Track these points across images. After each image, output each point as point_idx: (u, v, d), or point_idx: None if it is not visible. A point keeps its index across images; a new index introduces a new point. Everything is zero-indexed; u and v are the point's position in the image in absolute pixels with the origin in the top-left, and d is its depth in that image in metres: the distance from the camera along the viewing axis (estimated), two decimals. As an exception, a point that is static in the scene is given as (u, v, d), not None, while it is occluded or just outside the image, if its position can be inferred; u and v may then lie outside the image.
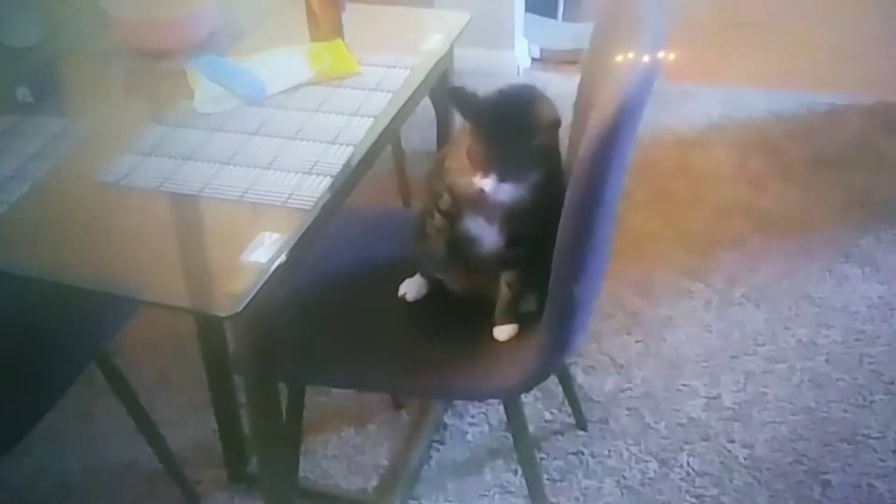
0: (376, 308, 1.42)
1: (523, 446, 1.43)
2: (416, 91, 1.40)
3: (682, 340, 2.06)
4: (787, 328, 2.08)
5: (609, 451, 1.81)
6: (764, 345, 2.04)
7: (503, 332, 1.35)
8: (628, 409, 1.90)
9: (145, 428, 1.62)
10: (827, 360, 1.99)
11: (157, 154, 1.27)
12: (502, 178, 1.16)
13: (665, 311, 2.12)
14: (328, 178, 1.20)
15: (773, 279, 2.22)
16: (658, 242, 2.34)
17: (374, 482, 1.77)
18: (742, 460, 1.77)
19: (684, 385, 1.95)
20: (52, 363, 1.38)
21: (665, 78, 2.66)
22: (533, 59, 3.25)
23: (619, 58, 1.10)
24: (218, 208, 1.16)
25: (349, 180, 1.22)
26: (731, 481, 1.73)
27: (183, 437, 1.85)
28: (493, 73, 3.07)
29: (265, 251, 1.06)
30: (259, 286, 1.02)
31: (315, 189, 1.17)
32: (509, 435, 1.82)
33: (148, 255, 1.10)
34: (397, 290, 1.42)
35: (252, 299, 1.00)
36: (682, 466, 1.77)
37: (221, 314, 1.00)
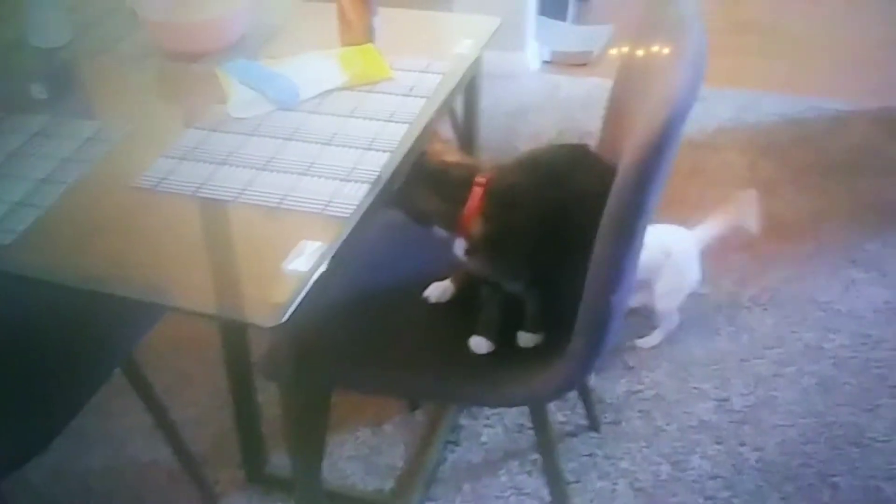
0: (407, 314, 1.44)
1: (548, 452, 1.46)
2: (448, 96, 1.42)
3: (691, 343, 2.10)
4: (794, 332, 2.12)
5: (622, 452, 1.85)
6: (772, 348, 2.08)
7: (528, 339, 1.37)
8: (640, 411, 1.94)
9: (165, 428, 1.64)
10: (834, 364, 2.02)
11: (191, 158, 1.29)
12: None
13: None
14: (365, 184, 1.21)
15: (781, 283, 2.26)
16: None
17: (390, 483, 1.80)
18: (753, 463, 1.81)
19: (695, 388, 1.99)
20: (79, 369, 1.39)
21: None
22: (543, 62, 3.27)
23: (664, 64, 1.11)
24: (256, 215, 1.17)
25: (386, 187, 1.24)
26: (742, 484, 1.76)
27: (202, 437, 1.87)
28: (506, 74, 3.09)
29: (306, 260, 1.07)
30: (301, 295, 1.03)
31: (353, 196, 1.19)
32: (524, 436, 1.85)
33: (187, 263, 1.11)
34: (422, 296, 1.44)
35: (294, 309, 1.02)
36: (693, 469, 1.80)
37: (265, 324, 1.01)
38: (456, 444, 1.87)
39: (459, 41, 1.54)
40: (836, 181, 2.62)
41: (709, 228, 2.02)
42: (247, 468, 1.80)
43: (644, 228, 1.15)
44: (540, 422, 1.41)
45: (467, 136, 1.70)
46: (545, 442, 1.43)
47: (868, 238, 2.39)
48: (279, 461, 1.81)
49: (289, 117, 1.38)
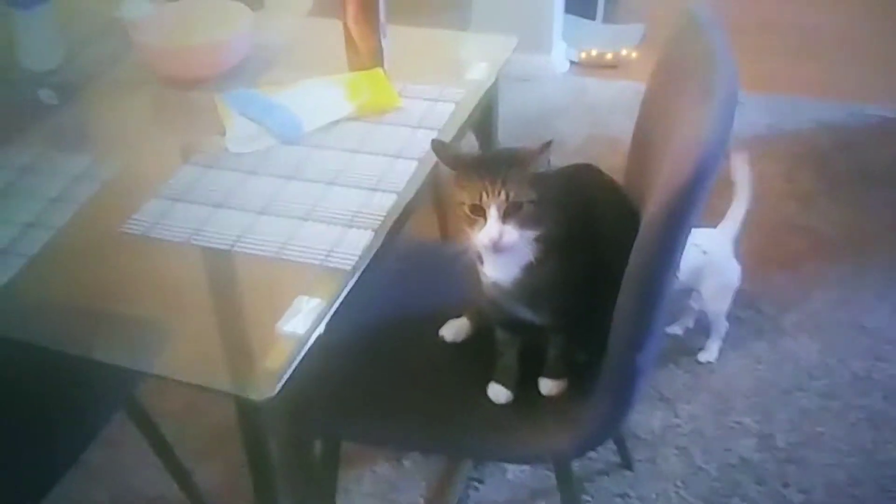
0: (416, 356, 1.34)
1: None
2: (460, 129, 1.30)
3: (732, 373, 1.97)
4: (841, 361, 1.98)
5: (657, 493, 1.73)
6: (818, 379, 1.94)
7: (550, 386, 1.26)
8: (677, 447, 1.81)
9: (172, 467, 1.56)
10: (884, 398, 1.89)
11: (186, 199, 1.19)
12: (505, 214, 1.04)
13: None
14: (369, 231, 1.11)
15: (825, 306, 2.12)
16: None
17: (409, 524, 1.70)
18: (797, 507, 1.68)
19: (736, 423, 1.86)
20: (82, 411, 1.32)
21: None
22: (571, 63, 3.14)
23: (694, 100, 1.00)
24: (252, 266, 1.07)
25: (391, 233, 1.13)
26: (787, 531, 1.64)
27: (211, 472, 1.78)
28: (532, 77, 2.97)
29: (302, 319, 0.98)
30: (296, 361, 0.93)
31: (356, 245, 1.09)
32: (552, 475, 1.74)
33: (175, 322, 1.02)
34: (438, 333, 1.33)
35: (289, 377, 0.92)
36: (734, 513, 1.68)
37: (255, 397, 0.91)
38: (480, 481, 1.76)
39: (474, 65, 1.43)
40: (876, 194, 2.47)
41: (731, 220, 1.90)
42: None
43: (672, 280, 1.03)
44: (564, 478, 1.30)
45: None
46: (569, 499, 1.32)
47: (915, 256, 2.24)
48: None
49: (291, 153, 1.28)
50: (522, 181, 1.04)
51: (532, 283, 1.12)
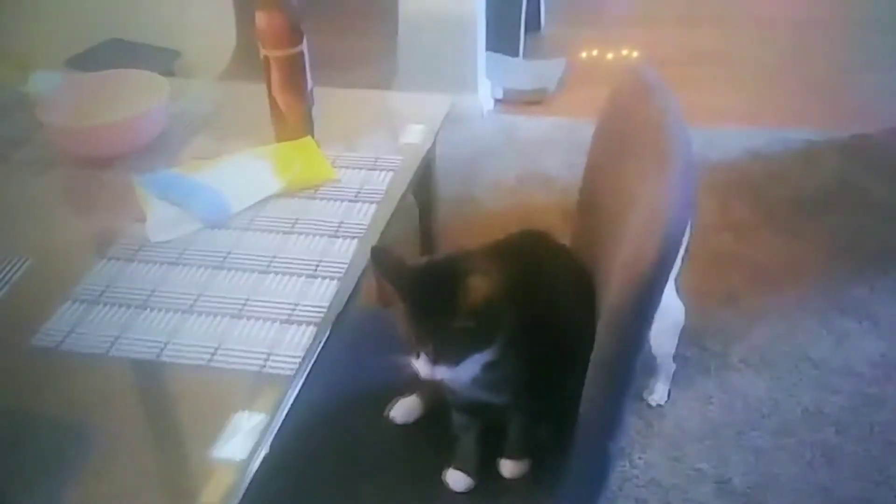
0: (365, 444, 1.25)
1: None
2: (401, 199, 1.23)
3: (683, 415, 1.93)
4: (791, 395, 1.96)
5: (620, 552, 1.67)
6: (769, 416, 1.92)
7: (512, 468, 1.19)
8: (636, 500, 1.76)
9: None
10: (837, 432, 1.87)
11: (104, 301, 1.09)
12: (436, 361, 1.01)
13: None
14: (311, 326, 1.03)
15: (770, 339, 2.11)
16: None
17: None
18: (762, 556, 1.65)
19: (693, 469, 1.82)
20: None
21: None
22: (496, 101, 3.11)
23: (647, 183, 0.94)
24: (181, 379, 0.98)
25: (336, 325, 1.05)
26: (754, 582, 1.60)
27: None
28: (458, 117, 2.91)
29: (242, 441, 0.88)
30: (238, 495, 0.84)
31: (296, 345, 1.00)
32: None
33: (93, 458, 0.90)
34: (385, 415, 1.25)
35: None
36: (700, 568, 1.63)
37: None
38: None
39: (409, 127, 1.36)
40: (812, 220, 2.49)
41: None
42: None
43: (638, 363, 0.97)
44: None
45: (425, 225, 1.51)
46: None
47: (853, 283, 2.25)
48: None
49: (219, 237, 1.18)
50: (453, 331, 0.98)
51: (492, 378, 1.06)
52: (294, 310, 1.05)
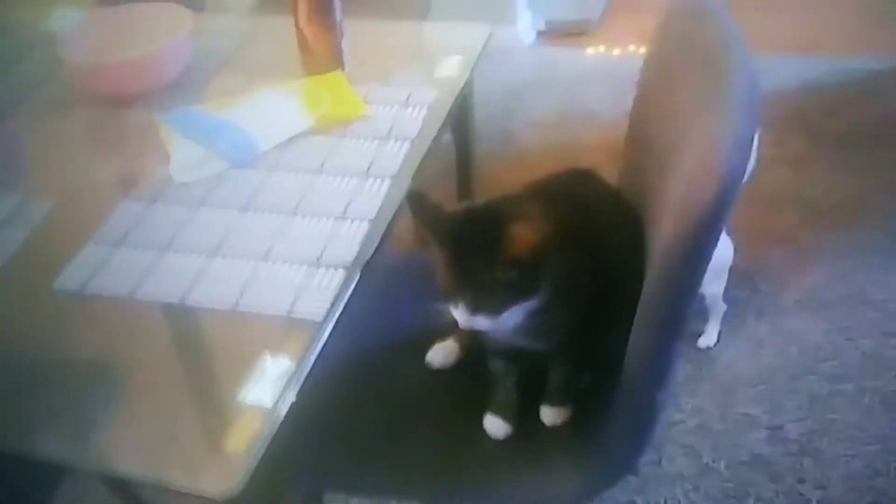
0: (401, 389, 1.20)
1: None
2: (436, 137, 1.16)
3: (734, 359, 1.86)
4: (849, 339, 1.88)
5: (665, 498, 1.62)
6: (826, 361, 1.84)
7: (554, 415, 1.14)
8: (683, 446, 1.71)
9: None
10: (897, 376, 1.79)
11: (127, 244, 1.05)
12: (475, 311, 0.95)
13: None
14: (340, 270, 0.97)
15: (826, 280, 2.01)
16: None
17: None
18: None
19: (743, 415, 1.75)
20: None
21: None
22: (538, 33, 2.99)
23: (704, 114, 0.86)
24: (206, 323, 0.94)
25: (367, 270, 0.99)
26: (807, 531, 1.55)
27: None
28: (498, 50, 2.80)
29: (269, 387, 0.84)
30: (264, 442, 0.80)
31: (325, 289, 0.95)
32: None
33: (118, 402, 0.87)
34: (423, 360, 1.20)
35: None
36: (749, 515, 1.58)
37: (215, 493, 0.77)
38: None
39: (445, 60, 1.28)
40: (872, 155, 2.36)
41: None
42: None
43: (689, 310, 0.90)
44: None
45: (462, 165, 1.44)
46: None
47: (919, 219, 2.14)
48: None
49: (245, 178, 1.13)
50: (494, 282, 0.93)
51: (535, 325, 1.00)
52: (323, 253, 1.00)
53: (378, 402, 1.20)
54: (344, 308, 0.94)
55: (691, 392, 1.80)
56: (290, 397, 0.84)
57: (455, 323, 1.03)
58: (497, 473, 1.11)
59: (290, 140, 1.18)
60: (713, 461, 1.67)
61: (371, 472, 1.14)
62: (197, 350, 0.93)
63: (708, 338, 1.88)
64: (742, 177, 0.80)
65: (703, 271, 0.84)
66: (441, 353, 1.23)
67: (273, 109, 1.21)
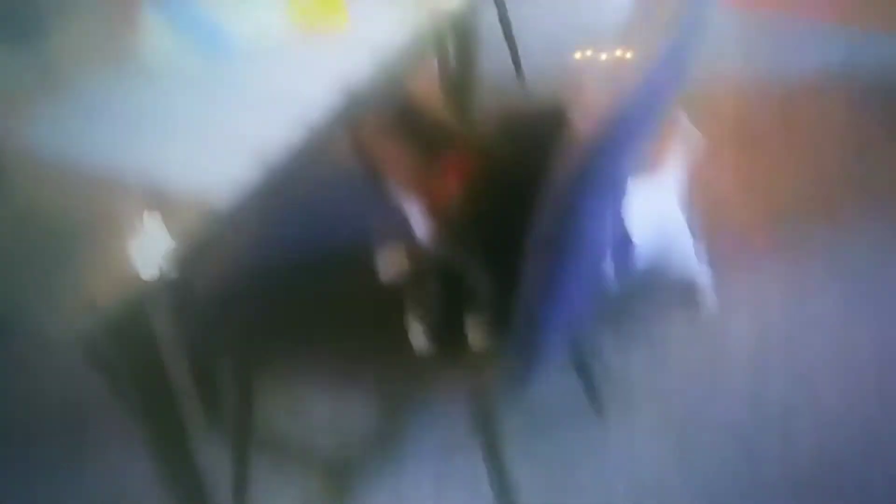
0: (337, 283, 1.24)
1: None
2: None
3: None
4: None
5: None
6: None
7: (476, 326, 1.15)
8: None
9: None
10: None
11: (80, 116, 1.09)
12: None
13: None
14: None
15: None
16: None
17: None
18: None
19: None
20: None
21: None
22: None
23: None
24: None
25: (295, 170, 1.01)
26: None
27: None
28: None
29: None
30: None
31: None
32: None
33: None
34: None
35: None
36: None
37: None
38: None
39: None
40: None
41: (669, 169, 1.65)
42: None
43: (600, 237, 0.88)
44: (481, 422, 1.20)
45: (460, 85, 1.41)
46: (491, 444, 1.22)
47: None
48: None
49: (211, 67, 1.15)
50: None
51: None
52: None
53: (315, 300, 1.23)
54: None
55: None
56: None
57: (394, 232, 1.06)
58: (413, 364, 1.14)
59: (265, 34, 1.19)
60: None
61: (294, 347, 1.19)
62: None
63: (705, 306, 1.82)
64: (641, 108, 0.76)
65: (591, 205, 0.82)
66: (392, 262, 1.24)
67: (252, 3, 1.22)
